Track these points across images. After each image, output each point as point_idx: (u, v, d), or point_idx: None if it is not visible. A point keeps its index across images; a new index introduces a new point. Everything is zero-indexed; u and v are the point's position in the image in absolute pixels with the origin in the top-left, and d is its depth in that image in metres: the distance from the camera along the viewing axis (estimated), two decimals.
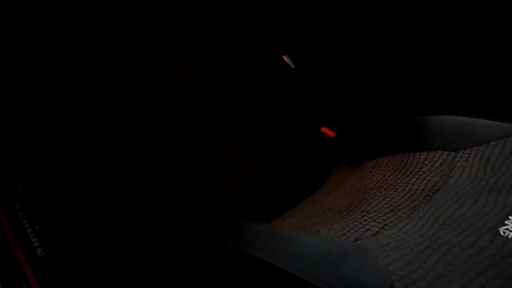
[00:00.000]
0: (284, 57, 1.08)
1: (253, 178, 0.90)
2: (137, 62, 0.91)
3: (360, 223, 0.59)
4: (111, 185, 0.80)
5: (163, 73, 0.95)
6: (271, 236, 0.54)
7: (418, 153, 0.72)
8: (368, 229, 0.57)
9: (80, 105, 0.83)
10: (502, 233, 0.47)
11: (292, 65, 1.07)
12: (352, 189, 0.75)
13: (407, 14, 0.95)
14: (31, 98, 0.79)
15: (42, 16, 0.76)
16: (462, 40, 0.92)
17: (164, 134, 0.93)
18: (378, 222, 0.58)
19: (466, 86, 0.90)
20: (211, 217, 0.71)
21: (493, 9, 0.87)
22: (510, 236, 0.46)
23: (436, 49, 0.93)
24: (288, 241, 0.52)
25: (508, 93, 0.86)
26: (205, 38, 0.96)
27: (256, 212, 0.76)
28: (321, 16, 1.03)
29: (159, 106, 0.94)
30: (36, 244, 0.70)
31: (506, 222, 0.48)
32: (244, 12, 1.03)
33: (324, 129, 1.03)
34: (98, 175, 0.81)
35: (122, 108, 0.90)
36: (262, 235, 0.54)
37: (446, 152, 0.68)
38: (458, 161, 0.65)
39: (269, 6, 1.05)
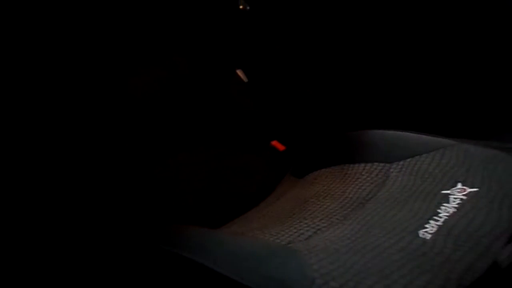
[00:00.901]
0: (238, 71, 1.10)
1: (202, 187, 0.90)
2: (87, 67, 0.91)
3: (295, 228, 0.61)
4: (64, 191, 0.78)
5: (113, 80, 0.94)
6: (205, 238, 0.55)
7: (357, 165, 0.75)
8: (302, 233, 0.59)
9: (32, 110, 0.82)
10: (421, 235, 0.49)
11: (245, 79, 1.10)
12: (294, 198, 0.77)
13: (349, 34, 1.00)
14: None
15: None
16: (402, 60, 0.97)
17: (112, 143, 0.92)
18: (312, 227, 0.60)
19: (402, 103, 0.95)
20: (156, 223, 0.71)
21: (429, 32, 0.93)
22: (427, 238, 0.48)
23: (378, 68, 0.98)
24: (220, 244, 0.53)
25: (439, 110, 0.92)
26: (158, 47, 0.97)
27: (205, 220, 0.77)
28: (274, 32, 1.07)
29: (110, 115, 0.93)
30: None
31: (426, 225, 0.51)
32: (199, 25, 1.04)
33: (275, 143, 1.05)
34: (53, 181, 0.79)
35: (71, 114, 0.88)
36: (197, 238, 0.55)
37: (382, 164, 0.72)
38: (392, 172, 0.69)
39: (224, 21, 1.08)
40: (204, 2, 1.06)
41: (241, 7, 1.06)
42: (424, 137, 0.72)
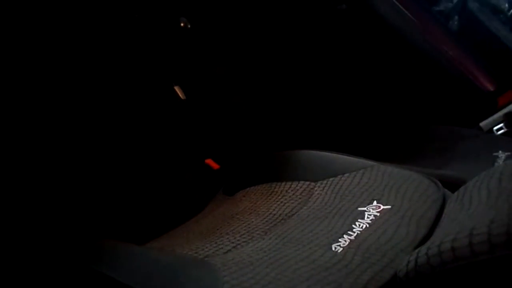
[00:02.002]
0: (176, 88, 1.09)
1: (133, 202, 0.88)
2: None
3: (215, 242, 0.60)
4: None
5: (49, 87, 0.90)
6: (119, 252, 0.53)
7: (283, 183, 0.76)
8: (221, 247, 0.58)
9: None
10: (333, 249, 0.50)
11: (183, 96, 1.09)
12: (220, 215, 0.77)
13: (278, 56, 1.03)
14: None
15: None
16: (331, 86, 1.02)
17: (39, 152, 0.88)
18: (232, 242, 0.60)
19: (328, 125, 0.98)
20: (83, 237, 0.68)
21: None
22: (339, 251, 0.50)
23: (309, 92, 1.01)
24: (134, 257, 0.52)
25: (362, 133, 0.96)
26: (94, 55, 0.94)
27: (132, 236, 0.74)
28: (213, 51, 1.08)
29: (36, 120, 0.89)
30: None
31: (339, 239, 0.52)
32: (141, 39, 1.03)
33: (209, 161, 1.04)
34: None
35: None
36: (110, 252, 0.53)
37: (307, 182, 0.73)
38: (316, 190, 0.70)
39: (165, 37, 1.08)
40: (146, 19, 1.06)
41: (182, 24, 1.07)
42: (348, 158, 0.75)
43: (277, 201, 0.72)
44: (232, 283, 0.44)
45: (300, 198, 0.70)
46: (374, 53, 1.09)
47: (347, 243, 0.51)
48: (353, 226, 0.55)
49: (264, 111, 1.08)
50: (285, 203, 0.70)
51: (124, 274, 0.47)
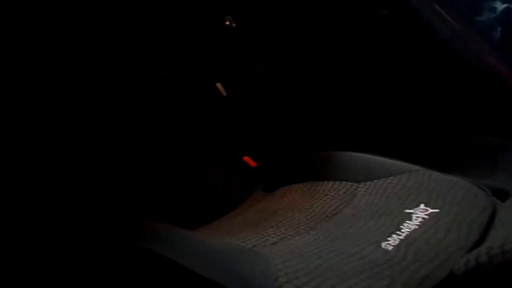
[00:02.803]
0: (218, 85, 1.11)
1: (171, 194, 0.90)
2: (69, 61, 0.90)
3: (261, 234, 0.61)
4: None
5: (93, 76, 0.93)
6: (174, 235, 0.54)
7: (325, 182, 0.77)
8: (267, 239, 0.59)
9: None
10: (383, 246, 0.51)
11: (224, 93, 1.11)
12: (261, 210, 0.78)
13: (324, 56, 1.04)
14: None
15: None
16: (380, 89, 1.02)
17: (91, 142, 0.91)
18: (278, 235, 0.61)
19: (373, 127, 0.98)
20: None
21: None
22: (389, 249, 0.50)
23: (354, 94, 1.02)
24: (188, 240, 0.53)
25: (408, 138, 0.96)
26: (137, 50, 0.97)
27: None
28: (255, 51, 1.09)
29: (81, 115, 0.92)
30: None
31: (388, 238, 0.53)
32: (185, 36, 1.06)
33: (246, 158, 1.05)
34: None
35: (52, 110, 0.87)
36: (165, 234, 0.55)
37: (350, 183, 0.74)
38: (359, 191, 0.71)
39: (210, 35, 1.10)
40: (192, 15, 1.08)
41: (227, 23, 1.09)
42: (392, 161, 0.75)
43: (320, 199, 0.72)
44: (285, 271, 0.45)
45: (343, 198, 0.71)
46: (415, 59, 1.09)
47: (396, 242, 0.51)
48: (401, 226, 0.56)
49: (303, 111, 1.09)
50: (328, 201, 0.71)
51: (180, 255, 0.48)
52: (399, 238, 0.52)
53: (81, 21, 0.93)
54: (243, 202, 0.90)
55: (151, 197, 0.86)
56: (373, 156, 0.77)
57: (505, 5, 1.07)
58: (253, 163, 1.05)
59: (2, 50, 0.79)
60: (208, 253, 0.50)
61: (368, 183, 0.72)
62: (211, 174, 0.97)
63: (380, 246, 0.51)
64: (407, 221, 0.57)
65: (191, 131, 1.03)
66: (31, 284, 0.65)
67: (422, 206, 0.60)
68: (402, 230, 0.54)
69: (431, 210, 0.59)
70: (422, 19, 1.03)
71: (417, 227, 0.55)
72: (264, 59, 1.10)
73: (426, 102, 1.05)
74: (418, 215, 0.58)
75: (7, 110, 0.78)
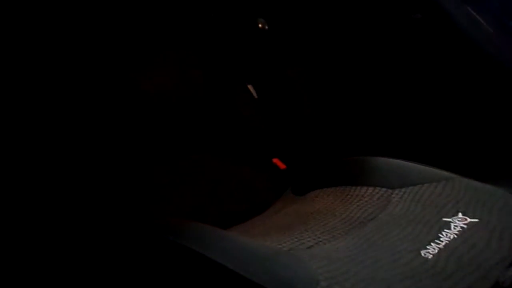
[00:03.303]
0: (249, 87, 1.12)
1: (201, 194, 0.91)
2: (97, 67, 0.92)
3: (296, 237, 0.62)
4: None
5: (123, 80, 0.95)
6: (212, 234, 0.55)
7: (359, 187, 0.77)
8: (303, 243, 0.60)
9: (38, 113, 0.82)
10: (423, 254, 0.50)
11: (255, 95, 1.12)
12: (294, 213, 0.78)
13: (358, 59, 1.03)
14: None
15: None
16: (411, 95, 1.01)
17: (118, 142, 0.93)
18: (313, 239, 0.61)
19: (407, 134, 0.97)
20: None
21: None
22: (429, 258, 0.50)
23: (388, 98, 1.01)
24: (227, 240, 0.54)
25: (444, 145, 0.95)
26: (173, 50, 0.98)
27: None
28: (288, 54, 1.10)
29: (118, 115, 0.94)
30: None
31: (427, 247, 0.52)
32: (219, 37, 1.07)
33: (276, 160, 1.06)
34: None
35: (77, 113, 0.89)
36: (204, 233, 0.56)
37: (384, 189, 0.73)
38: (394, 197, 0.70)
39: (242, 37, 1.11)
40: (225, 17, 1.09)
41: (260, 25, 1.09)
42: (427, 168, 0.74)
43: (354, 204, 0.72)
44: (325, 276, 0.45)
45: (378, 204, 0.70)
46: (449, 63, 1.07)
47: (436, 250, 0.51)
48: (440, 235, 0.55)
49: (334, 115, 1.09)
50: (362, 207, 0.70)
51: (220, 255, 0.49)
52: (438, 247, 0.52)
53: (117, 24, 0.95)
54: (273, 204, 0.90)
55: (180, 197, 0.87)
56: (408, 162, 0.77)
57: None
58: (282, 166, 1.06)
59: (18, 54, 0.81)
60: (248, 254, 0.50)
61: (403, 190, 0.71)
62: (241, 175, 0.98)
63: (419, 254, 0.50)
64: (446, 230, 0.56)
65: (222, 132, 1.04)
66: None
67: (460, 215, 0.60)
68: (441, 239, 0.54)
69: (470, 220, 0.58)
70: (455, 22, 1.02)
71: (456, 236, 0.55)
72: (296, 63, 1.11)
73: (461, 107, 1.03)
74: (457, 224, 0.58)
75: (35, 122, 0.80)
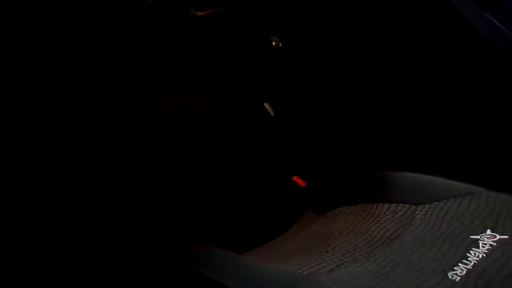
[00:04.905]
0: (265, 104, 1.11)
1: (222, 215, 0.90)
2: (111, 90, 0.93)
3: (316, 260, 0.60)
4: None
5: (139, 104, 0.96)
6: (227, 259, 0.54)
7: (380, 205, 0.74)
8: (324, 266, 0.58)
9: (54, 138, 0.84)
10: (450, 277, 0.48)
11: (272, 113, 1.11)
12: (314, 233, 0.76)
13: (375, 73, 1.01)
14: None
15: None
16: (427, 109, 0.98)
17: (139, 165, 0.94)
18: (335, 261, 0.59)
19: (428, 148, 0.95)
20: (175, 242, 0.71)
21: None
22: (457, 280, 0.47)
23: (408, 113, 0.99)
24: (242, 266, 0.53)
25: (467, 158, 0.91)
26: (188, 71, 0.99)
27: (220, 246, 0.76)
28: (303, 71, 1.09)
29: (133, 138, 0.95)
30: None
31: (455, 268, 0.50)
32: (231, 55, 1.07)
33: (296, 178, 1.04)
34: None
35: (92, 137, 0.90)
36: (218, 258, 0.55)
37: (407, 205, 0.71)
38: (418, 214, 0.68)
39: (257, 55, 1.11)
40: (239, 37, 1.10)
41: (274, 43, 1.09)
42: (451, 182, 0.72)
43: (376, 223, 0.70)
44: None
45: (401, 221, 0.68)
46: (469, 71, 1.05)
47: (464, 272, 0.49)
48: (468, 254, 0.52)
49: (353, 130, 1.07)
50: (384, 225, 0.68)
51: (237, 282, 0.47)
52: (466, 268, 0.49)
53: (131, 46, 0.96)
54: (294, 224, 0.89)
55: (200, 218, 0.87)
56: (430, 177, 0.74)
57: None
58: (302, 183, 1.04)
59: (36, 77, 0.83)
60: (265, 281, 0.49)
61: (427, 206, 0.68)
62: (260, 194, 0.97)
63: (446, 276, 0.48)
64: (474, 248, 0.54)
65: (240, 152, 1.04)
66: None
67: (488, 231, 0.57)
68: (469, 259, 0.51)
69: (499, 237, 0.55)
70: (475, 30, 0.99)
71: (485, 255, 0.52)
72: (312, 79, 1.10)
73: (484, 117, 1.00)
74: (485, 242, 0.55)
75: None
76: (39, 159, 0.78)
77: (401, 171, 0.78)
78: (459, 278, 0.47)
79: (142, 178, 0.90)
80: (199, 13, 0.78)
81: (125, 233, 0.79)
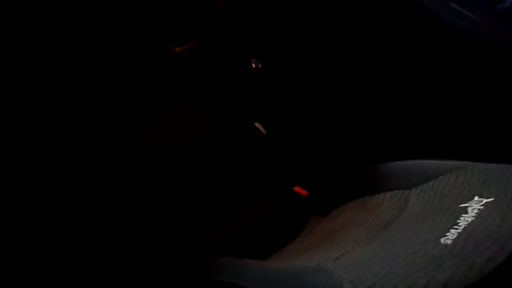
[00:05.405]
0: (256, 124, 1.16)
1: (231, 235, 0.93)
2: (103, 132, 0.97)
3: (322, 253, 0.63)
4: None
5: (132, 143, 1.01)
6: (238, 263, 0.58)
7: (377, 195, 0.78)
8: (329, 257, 0.61)
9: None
10: (442, 242, 0.51)
11: (264, 131, 1.15)
12: (319, 233, 0.80)
13: (355, 76, 1.06)
14: None
15: None
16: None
17: (141, 198, 0.97)
18: (339, 251, 0.62)
19: (416, 135, 0.99)
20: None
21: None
22: (448, 243, 0.50)
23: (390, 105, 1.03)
24: (253, 266, 0.56)
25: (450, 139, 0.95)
26: (176, 104, 1.04)
27: None
28: (285, 84, 1.14)
29: (130, 174, 0.99)
30: None
31: (447, 234, 0.53)
32: (217, 79, 1.12)
33: (297, 189, 1.08)
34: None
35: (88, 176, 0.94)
36: (231, 264, 0.58)
37: (401, 191, 0.75)
38: (412, 197, 0.71)
39: (239, 77, 1.16)
40: (220, 64, 1.15)
41: (253, 65, 1.15)
42: (440, 162, 0.75)
43: (375, 212, 0.73)
44: (349, 279, 0.46)
45: (397, 206, 0.71)
46: (441, 61, 1.09)
47: (455, 235, 0.52)
48: (458, 221, 0.56)
49: (342, 132, 1.11)
50: (382, 212, 0.72)
51: (252, 281, 0.51)
52: (457, 232, 0.53)
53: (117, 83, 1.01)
54: (301, 231, 0.92)
55: (210, 241, 0.90)
56: (419, 161, 0.78)
57: None
58: (304, 192, 1.07)
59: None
60: (278, 275, 0.52)
61: (419, 188, 0.72)
62: (265, 210, 1.00)
63: (439, 242, 0.51)
64: (463, 215, 0.57)
65: (238, 172, 1.08)
66: None
67: (476, 198, 0.60)
68: (460, 224, 0.55)
69: (485, 200, 0.59)
70: (443, 21, 1.05)
71: (474, 218, 0.55)
72: (295, 91, 1.15)
73: (464, 99, 1.05)
74: (474, 207, 0.58)
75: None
76: (41, 203, 0.82)
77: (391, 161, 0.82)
78: (450, 241, 0.51)
79: (148, 211, 0.94)
80: (178, 49, 0.84)
81: (138, 267, 0.82)
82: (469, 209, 0.58)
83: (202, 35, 0.88)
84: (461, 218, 0.56)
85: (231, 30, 1.10)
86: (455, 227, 0.54)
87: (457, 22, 1.03)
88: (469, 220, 0.55)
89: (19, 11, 0.81)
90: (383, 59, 1.14)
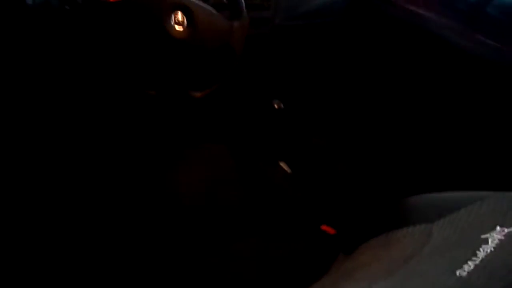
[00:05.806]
0: (281, 163, 1.17)
1: (257, 273, 0.93)
2: (127, 171, 1.01)
3: None
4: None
5: (160, 185, 1.04)
6: None
7: (399, 230, 0.76)
8: None
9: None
10: (457, 274, 0.49)
11: (288, 170, 1.16)
12: (343, 272, 0.78)
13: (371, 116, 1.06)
14: None
15: None
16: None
17: (171, 239, 0.99)
18: None
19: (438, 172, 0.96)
20: None
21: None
22: (464, 275, 0.49)
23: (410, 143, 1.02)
24: None
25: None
26: (201, 147, 1.07)
27: None
28: (307, 125, 1.16)
29: (158, 217, 1.01)
30: None
31: (464, 266, 0.51)
32: (241, 119, 1.16)
33: (325, 227, 1.07)
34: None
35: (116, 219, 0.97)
36: None
37: (423, 225, 0.73)
38: (434, 230, 0.69)
39: (263, 118, 1.19)
40: (245, 108, 1.19)
41: (276, 106, 1.18)
42: (461, 193, 0.74)
43: (396, 247, 0.71)
44: None
45: (419, 240, 0.69)
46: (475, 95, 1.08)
47: (471, 267, 0.50)
48: (477, 252, 0.54)
49: (366, 171, 1.10)
50: (404, 247, 0.70)
51: None
52: (474, 264, 0.51)
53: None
54: (329, 270, 0.90)
55: (235, 280, 0.89)
56: (442, 193, 0.77)
57: None
58: (332, 231, 1.06)
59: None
60: None
61: (441, 220, 0.70)
62: (293, 249, 0.99)
63: (454, 274, 0.49)
64: (483, 245, 0.55)
65: (265, 212, 1.08)
66: None
67: (498, 228, 0.58)
68: (478, 255, 0.53)
69: (507, 230, 0.56)
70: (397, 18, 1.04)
71: (493, 249, 0.53)
72: (318, 132, 1.16)
73: (486, 130, 1.02)
74: (495, 237, 0.56)
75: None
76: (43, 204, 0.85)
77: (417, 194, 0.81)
78: (465, 273, 0.49)
79: (177, 251, 0.95)
80: (198, 95, 0.88)
81: None
82: (490, 240, 0.56)
83: (222, 80, 0.91)
84: (481, 249, 0.54)
85: (252, 74, 1.14)
86: (474, 258, 0.52)
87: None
88: (488, 251, 0.53)
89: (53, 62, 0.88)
90: (400, 95, 1.15)
